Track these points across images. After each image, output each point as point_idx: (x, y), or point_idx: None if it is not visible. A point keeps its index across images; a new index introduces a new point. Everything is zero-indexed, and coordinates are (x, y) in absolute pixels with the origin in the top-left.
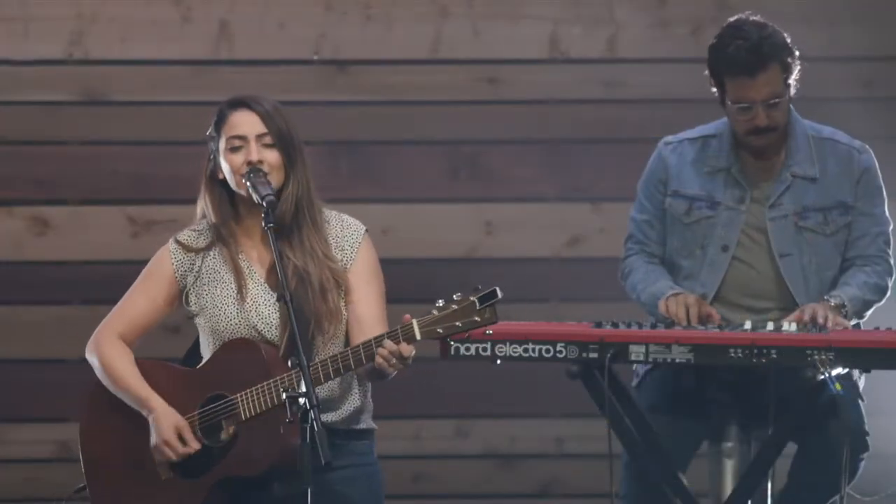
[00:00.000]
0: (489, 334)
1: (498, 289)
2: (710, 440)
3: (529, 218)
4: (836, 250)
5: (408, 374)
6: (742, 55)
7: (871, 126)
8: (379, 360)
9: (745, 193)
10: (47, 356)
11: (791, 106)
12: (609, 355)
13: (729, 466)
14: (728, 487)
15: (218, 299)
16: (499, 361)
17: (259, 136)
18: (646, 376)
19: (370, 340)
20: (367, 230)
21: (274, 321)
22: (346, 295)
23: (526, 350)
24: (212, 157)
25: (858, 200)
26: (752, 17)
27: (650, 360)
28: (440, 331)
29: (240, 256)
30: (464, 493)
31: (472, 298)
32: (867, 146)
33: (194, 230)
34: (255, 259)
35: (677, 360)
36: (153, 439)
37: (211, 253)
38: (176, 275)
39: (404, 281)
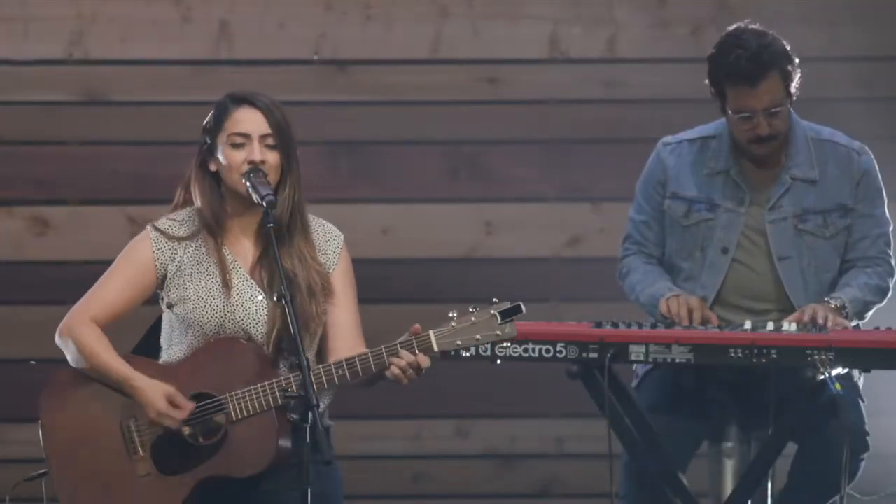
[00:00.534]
0: None
1: (522, 304)
2: (710, 440)
3: (529, 218)
4: (836, 253)
5: None
6: (742, 64)
7: (871, 126)
8: (395, 370)
9: (745, 196)
10: (47, 356)
11: (791, 110)
12: (609, 355)
13: (729, 466)
14: (728, 487)
15: (202, 291)
16: (499, 361)
17: (262, 137)
18: (646, 376)
19: (381, 349)
20: (343, 237)
21: (261, 318)
22: (328, 299)
23: (526, 350)
24: (205, 147)
25: (858, 202)
26: (752, 26)
27: (650, 360)
28: (459, 343)
29: (224, 249)
30: (464, 493)
31: (493, 312)
32: (867, 147)
33: (173, 219)
34: (239, 254)
35: (677, 360)
36: (149, 414)
37: (193, 244)
38: (156, 263)
39: (404, 281)
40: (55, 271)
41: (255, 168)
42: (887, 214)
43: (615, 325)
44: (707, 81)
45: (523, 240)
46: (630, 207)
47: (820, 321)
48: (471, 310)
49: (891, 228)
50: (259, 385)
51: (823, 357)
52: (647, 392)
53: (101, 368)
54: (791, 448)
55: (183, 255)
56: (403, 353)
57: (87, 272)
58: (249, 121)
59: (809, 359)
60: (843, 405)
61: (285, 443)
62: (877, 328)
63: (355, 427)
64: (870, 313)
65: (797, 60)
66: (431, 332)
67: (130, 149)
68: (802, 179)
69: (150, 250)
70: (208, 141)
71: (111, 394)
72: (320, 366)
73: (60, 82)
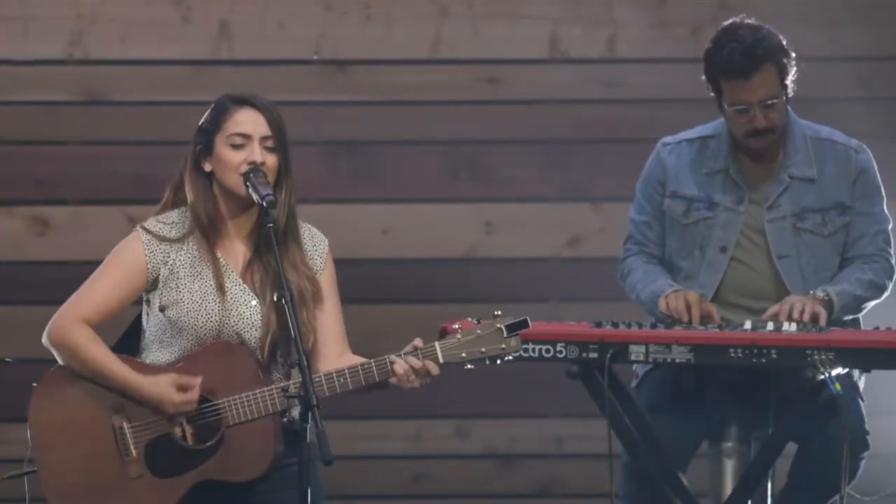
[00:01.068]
0: None
1: (528, 318)
2: (710, 440)
3: (529, 218)
4: (834, 251)
5: None
6: (736, 57)
7: (871, 126)
8: (400, 370)
9: (744, 195)
10: (47, 356)
11: (788, 107)
12: (609, 355)
13: (729, 466)
14: (728, 487)
15: (196, 294)
16: (499, 361)
17: (263, 139)
18: (646, 376)
19: (385, 359)
20: (328, 241)
21: (256, 322)
22: (317, 305)
23: (526, 350)
24: (199, 146)
25: (856, 201)
26: (747, 21)
27: (650, 360)
28: (464, 355)
29: (216, 252)
30: (464, 493)
31: (499, 325)
32: (864, 146)
33: (163, 221)
34: (230, 256)
35: (677, 360)
36: (166, 410)
37: (185, 246)
38: (148, 266)
39: (404, 281)
40: (55, 271)
41: (255, 168)
42: (886, 212)
43: (615, 325)
44: (704, 77)
45: (523, 240)
46: (630, 208)
47: (795, 315)
48: (476, 321)
49: (890, 226)
50: (258, 390)
51: (823, 357)
52: (647, 392)
53: (99, 370)
54: (791, 448)
55: (175, 258)
56: (410, 359)
57: (87, 272)
58: (251, 122)
59: (809, 359)
60: (843, 405)
61: (281, 447)
62: (877, 328)
63: (355, 427)
64: (866, 309)
65: (793, 54)
66: (437, 343)
67: (130, 149)
68: (801, 178)
69: (142, 253)
70: (204, 141)
71: (104, 394)
72: (322, 374)
73: (60, 82)
